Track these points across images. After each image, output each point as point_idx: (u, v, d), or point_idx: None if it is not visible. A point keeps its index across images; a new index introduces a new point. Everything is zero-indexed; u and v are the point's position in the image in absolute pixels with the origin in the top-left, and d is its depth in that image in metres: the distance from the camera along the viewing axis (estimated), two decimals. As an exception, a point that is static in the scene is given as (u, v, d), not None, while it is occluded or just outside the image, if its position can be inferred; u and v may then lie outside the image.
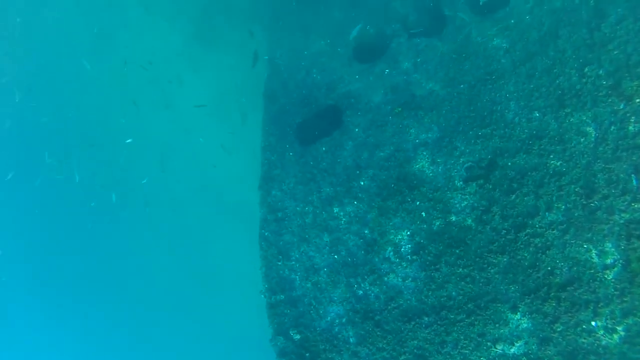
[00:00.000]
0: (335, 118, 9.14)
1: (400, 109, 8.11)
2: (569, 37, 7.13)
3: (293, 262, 8.41)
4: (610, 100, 6.49)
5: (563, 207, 6.39)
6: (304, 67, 10.05)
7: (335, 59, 9.52)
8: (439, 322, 6.89)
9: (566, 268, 6.23)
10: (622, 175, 6.19)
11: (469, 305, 6.74)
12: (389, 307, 7.31)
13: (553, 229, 6.40)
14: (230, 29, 13.74)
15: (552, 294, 6.29)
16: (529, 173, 6.70)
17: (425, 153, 7.65)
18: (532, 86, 7.08)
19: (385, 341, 7.22)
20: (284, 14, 11.00)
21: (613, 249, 6.01)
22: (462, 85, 7.62)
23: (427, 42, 8.31)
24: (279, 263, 8.54)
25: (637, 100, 6.34)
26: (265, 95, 10.77)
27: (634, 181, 6.08)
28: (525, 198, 6.66)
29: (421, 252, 7.26)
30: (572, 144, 6.56)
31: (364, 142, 8.43)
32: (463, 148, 7.30)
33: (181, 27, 14.69)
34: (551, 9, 7.48)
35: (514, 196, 6.74)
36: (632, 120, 6.30)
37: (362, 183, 8.15)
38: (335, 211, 8.29)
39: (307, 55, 10.07)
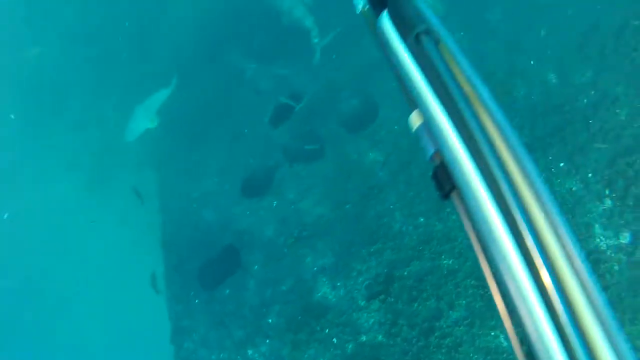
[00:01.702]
0: (233, 258, 9.55)
1: (293, 240, 8.69)
2: (435, 141, 8.26)
3: None
4: (482, 192, 7.43)
5: (464, 302, 6.87)
6: (195, 209, 10.65)
7: (225, 197, 10.20)
8: None
9: (481, 359, 6.59)
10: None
11: None
12: None
13: (460, 326, 6.81)
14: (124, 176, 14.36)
15: (475, 394, 6.53)
16: (426, 278, 7.25)
17: (324, 279, 8.10)
18: (412, 193, 7.92)
19: None
20: (171, 158, 11.86)
21: (518, 332, 6.48)
22: (347, 205, 8.36)
23: (308, 168, 9.22)
24: None
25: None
26: (162, 245, 11.18)
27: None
28: (427, 303, 7.10)
29: (340, 381, 7.40)
30: (459, 240, 7.28)
31: (264, 278, 8.80)
32: (359, 267, 7.81)
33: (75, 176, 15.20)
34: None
35: (416, 304, 7.17)
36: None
37: (270, 320, 8.35)
38: (249, 353, 8.33)
39: (198, 197, 10.73)
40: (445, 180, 1.24)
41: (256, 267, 8.94)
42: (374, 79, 9.52)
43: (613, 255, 6.49)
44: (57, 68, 15.48)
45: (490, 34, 9.11)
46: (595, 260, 6.50)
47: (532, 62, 8.35)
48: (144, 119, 11.01)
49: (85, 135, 14.84)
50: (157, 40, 13.43)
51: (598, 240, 6.60)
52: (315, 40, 9.84)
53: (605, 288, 5.90)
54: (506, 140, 1.21)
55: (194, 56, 12.20)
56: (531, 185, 1.13)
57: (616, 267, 6.40)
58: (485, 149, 1.18)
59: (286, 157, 9.57)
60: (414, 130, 1.41)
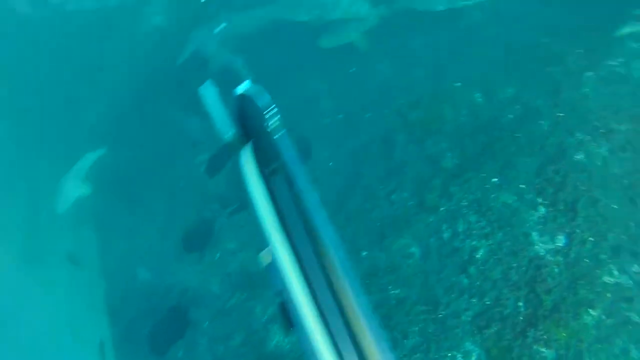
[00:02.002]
0: (182, 318, 9.32)
1: (240, 292, 8.58)
2: (370, 172, 8.43)
3: None
4: (420, 216, 7.58)
5: (417, 328, 6.86)
6: (137, 270, 10.43)
7: (167, 255, 10.04)
8: None
9: (441, 383, 6.54)
10: (453, 278, 6.98)
11: None
12: None
13: (416, 353, 6.78)
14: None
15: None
16: (376, 310, 7.25)
17: (275, 327, 7.99)
18: (352, 228, 8.05)
19: None
20: (109, 219, 11.64)
21: (473, 346, 6.48)
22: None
23: (247, 217, 9.21)
24: None
25: (441, 209, 7.48)
26: (108, 311, 10.85)
27: (465, 280, 6.90)
28: (380, 336, 7.10)
29: None
30: (403, 268, 7.34)
31: (214, 335, 8.61)
32: (308, 307, 7.76)
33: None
34: (349, 151, 8.86)
35: (368, 339, 7.16)
36: (444, 227, 7.35)
37: (225, 379, 8.17)
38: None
39: (140, 257, 10.52)
40: (287, 317, 1.38)
41: (206, 324, 8.75)
42: (305, 117, 9.72)
43: (552, 258, 6.64)
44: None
45: (415, 61, 9.47)
46: (536, 266, 6.64)
47: (458, 84, 8.68)
48: (73, 188, 10.91)
49: (15, 205, 14.41)
50: (85, 103, 13.39)
51: (537, 247, 6.76)
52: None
53: (548, 291, 6.05)
54: (344, 284, 1.32)
55: (125, 114, 12.20)
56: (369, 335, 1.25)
57: (556, 270, 6.55)
58: (323, 295, 1.30)
59: (223, 207, 9.56)
60: (264, 266, 1.52)
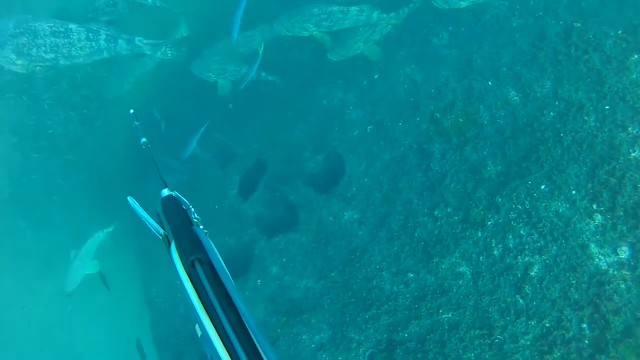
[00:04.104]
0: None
1: (285, 319, 8.31)
2: (409, 185, 7.97)
3: None
4: (467, 233, 7.14)
5: (472, 355, 6.49)
6: (180, 299, 10.25)
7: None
8: None
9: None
10: (509, 299, 6.54)
11: None
12: None
13: (474, 383, 6.44)
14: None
15: None
16: (428, 337, 6.83)
17: (325, 356, 7.68)
18: (395, 249, 7.61)
19: None
20: (147, 245, 11.51)
21: (535, 370, 6.12)
22: (332, 273, 8.01)
23: (285, 239, 8.90)
24: None
25: (489, 223, 7.03)
26: (154, 342, 10.77)
27: (520, 300, 6.46)
28: (435, 364, 6.75)
29: None
30: (454, 290, 6.90)
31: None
32: (358, 337, 7.41)
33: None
34: (383, 164, 8.41)
35: (423, 368, 6.80)
36: (493, 244, 6.90)
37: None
38: None
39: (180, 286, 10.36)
40: None
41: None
42: (333, 131, 9.34)
43: (616, 273, 6.18)
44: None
45: (440, 60, 8.99)
46: (598, 282, 6.20)
47: (489, 83, 8.18)
48: (81, 267, 11.16)
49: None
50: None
51: (597, 260, 6.31)
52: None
53: (616, 311, 5.58)
54: (258, 345, 1.68)
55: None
56: None
57: (623, 286, 6.09)
58: (241, 356, 1.64)
59: (261, 230, 9.27)
60: (199, 337, 1.84)
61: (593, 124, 7.05)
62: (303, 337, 7.99)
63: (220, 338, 1.71)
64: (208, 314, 1.79)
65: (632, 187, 6.39)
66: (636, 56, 7.36)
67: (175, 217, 2.19)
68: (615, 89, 7.17)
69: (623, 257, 6.17)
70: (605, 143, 6.82)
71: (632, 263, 6.09)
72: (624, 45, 7.53)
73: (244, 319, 1.73)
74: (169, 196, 2.35)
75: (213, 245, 2.06)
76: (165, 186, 2.45)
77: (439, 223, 7.36)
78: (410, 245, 7.44)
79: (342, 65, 9.58)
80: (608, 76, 7.28)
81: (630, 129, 6.80)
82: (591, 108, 7.15)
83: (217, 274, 1.89)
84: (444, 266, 7.05)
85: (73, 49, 8.85)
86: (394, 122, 8.62)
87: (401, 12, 9.13)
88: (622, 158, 6.62)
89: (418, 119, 8.40)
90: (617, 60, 7.43)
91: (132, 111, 3.36)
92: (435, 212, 7.44)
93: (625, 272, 6.08)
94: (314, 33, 9.18)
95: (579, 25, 7.81)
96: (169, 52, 9.94)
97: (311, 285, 8.17)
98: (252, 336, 1.69)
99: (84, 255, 11.42)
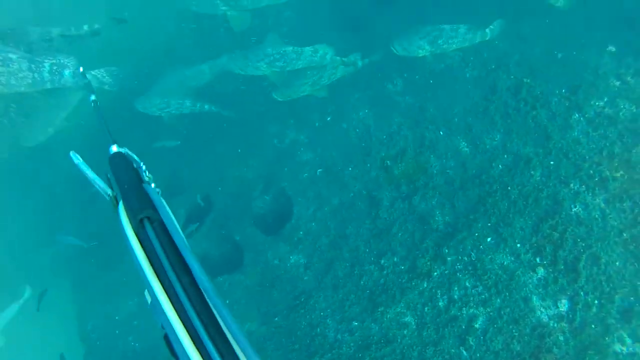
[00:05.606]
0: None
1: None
2: (356, 232, 7.97)
3: None
4: (413, 283, 7.15)
5: (416, 410, 6.45)
6: (119, 335, 9.79)
7: (148, 320, 9.47)
8: None
9: None
10: (453, 350, 6.55)
11: None
12: None
13: None
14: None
15: None
16: (368, 388, 6.81)
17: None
18: (341, 296, 7.55)
19: None
20: (87, 278, 11.02)
21: None
22: (277, 318, 7.87)
23: (230, 280, 8.71)
24: None
25: (435, 273, 7.08)
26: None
27: (464, 352, 6.48)
28: (379, 418, 6.64)
29: None
30: (399, 340, 6.85)
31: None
32: (299, 387, 7.29)
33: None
34: (332, 209, 8.39)
35: (367, 421, 6.69)
36: (439, 294, 6.94)
37: None
38: None
39: (120, 321, 9.91)
40: (171, 347, 1.51)
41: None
42: (283, 171, 9.31)
43: (556, 325, 6.30)
44: None
45: (394, 107, 9.12)
46: (539, 335, 6.29)
47: (441, 133, 8.36)
48: None
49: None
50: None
51: (539, 312, 6.42)
52: None
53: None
54: (215, 309, 1.55)
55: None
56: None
57: (561, 338, 6.21)
58: (195, 323, 1.50)
59: (205, 269, 9.03)
60: (149, 304, 1.67)
61: (539, 178, 7.26)
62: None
63: (172, 303, 1.55)
64: (158, 277, 1.63)
65: (573, 241, 6.58)
66: (577, 115, 7.66)
67: (124, 175, 1.99)
68: (560, 145, 7.43)
69: (562, 309, 6.31)
70: (550, 198, 7.02)
71: (570, 315, 6.24)
72: (567, 104, 7.84)
73: (197, 281, 1.59)
74: (118, 153, 2.11)
75: (165, 203, 1.84)
76: (114, 142, 2.18)
77: (385, 272, 7.36)
78: (355, 293, 7.39)
79: (296, 103, 9.61)
80: (553, 132, 7.55)
81: (572, 184, 7.04)
82: (537, 163, 7.37)
83: (169, 233, 1.71)
84: (389, 316, 7.02)
85: (12, 78, 8.54)
86: (345, 167, 8.66)
87: (353, 58, 9.22)
88: (564, 213, 6.82)
89: (369, 165, 8.47)
90: (562, 118, 7.73)
91: (81, 69, 3.15)
92: (382, 261, 7.45)
93: (564, 325, 6.21)
94: (266, 73, 9.19)
95: (529, 81, 8.11)
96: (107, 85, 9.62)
97: (255, 329, 7.98)
98: (207, 299, 1.56)
99: None
